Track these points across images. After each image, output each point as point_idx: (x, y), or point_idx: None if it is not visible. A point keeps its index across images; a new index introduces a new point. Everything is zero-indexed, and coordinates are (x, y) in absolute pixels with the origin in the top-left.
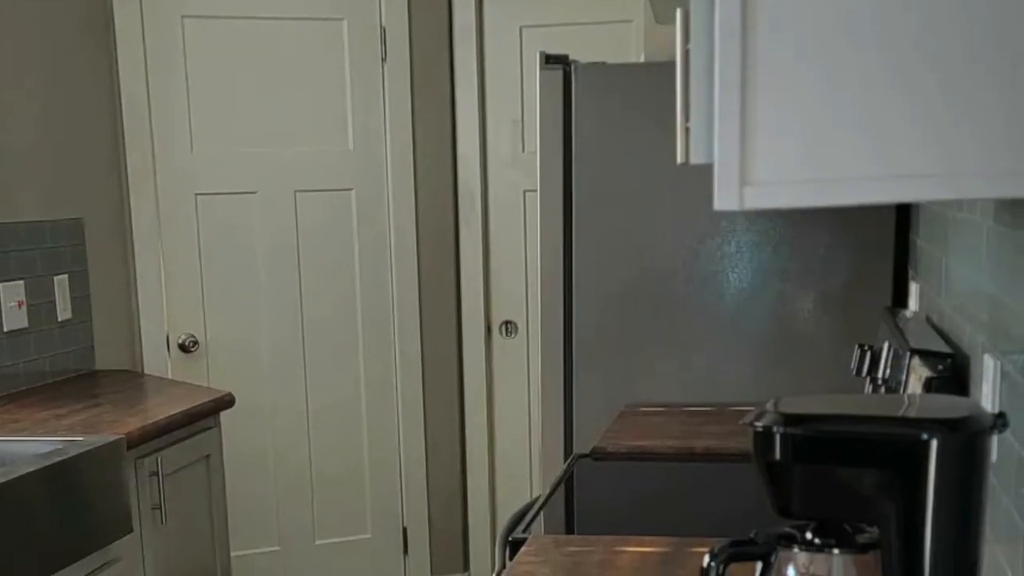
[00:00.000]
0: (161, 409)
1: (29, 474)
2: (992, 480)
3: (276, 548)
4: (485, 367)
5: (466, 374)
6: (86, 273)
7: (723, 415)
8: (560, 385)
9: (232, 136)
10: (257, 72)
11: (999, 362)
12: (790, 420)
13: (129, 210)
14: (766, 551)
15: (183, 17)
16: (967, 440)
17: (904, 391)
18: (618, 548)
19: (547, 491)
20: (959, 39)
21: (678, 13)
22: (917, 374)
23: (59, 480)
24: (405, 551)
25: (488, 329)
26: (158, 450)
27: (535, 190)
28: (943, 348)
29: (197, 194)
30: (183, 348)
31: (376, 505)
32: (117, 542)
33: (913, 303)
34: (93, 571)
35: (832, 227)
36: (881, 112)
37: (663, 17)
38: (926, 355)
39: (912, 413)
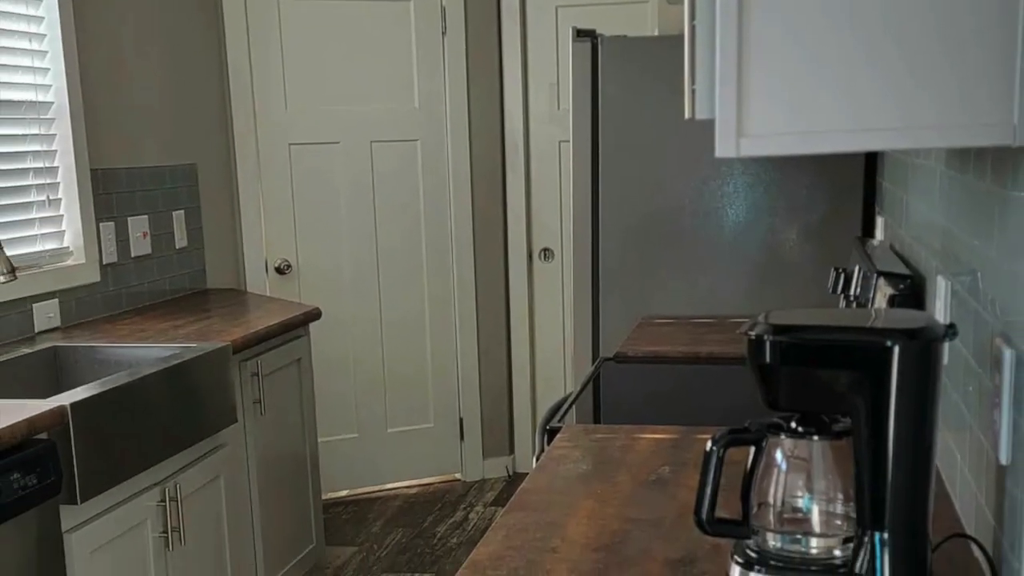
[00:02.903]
0: (260, 321)
1: (153, 374)
2: (944, 380)
3: (355, 435)
4: (527, 287)
5: (511, 293)
6: (199, 209)
7: (723, 326)
8: (588, 301)
9: (319, 96)
10: (340, 44)
11: (949, 282)
12: (778, 330)
13: (234, 157)
14: (758, 438)
15: None
16: (923, 346)
17: (871, 306)
18: (636, 435)
19: (578, 389)
20: (919, 18)
21: None
22: (882, 292)
23: (177, 379)
24: (461, 437)
25: (529, 255)
26: (258, 355)
27: (568, 141)
28: (904, 271)
29: (290, 144)
30: (279, 271)
31: (437, 400)
32: (224, 430)
33: (879, 233)
34: (205, 454)
35: (813, 171)
36: (853, 77)
37: None
38: (890, 276)
39: (878, 324)
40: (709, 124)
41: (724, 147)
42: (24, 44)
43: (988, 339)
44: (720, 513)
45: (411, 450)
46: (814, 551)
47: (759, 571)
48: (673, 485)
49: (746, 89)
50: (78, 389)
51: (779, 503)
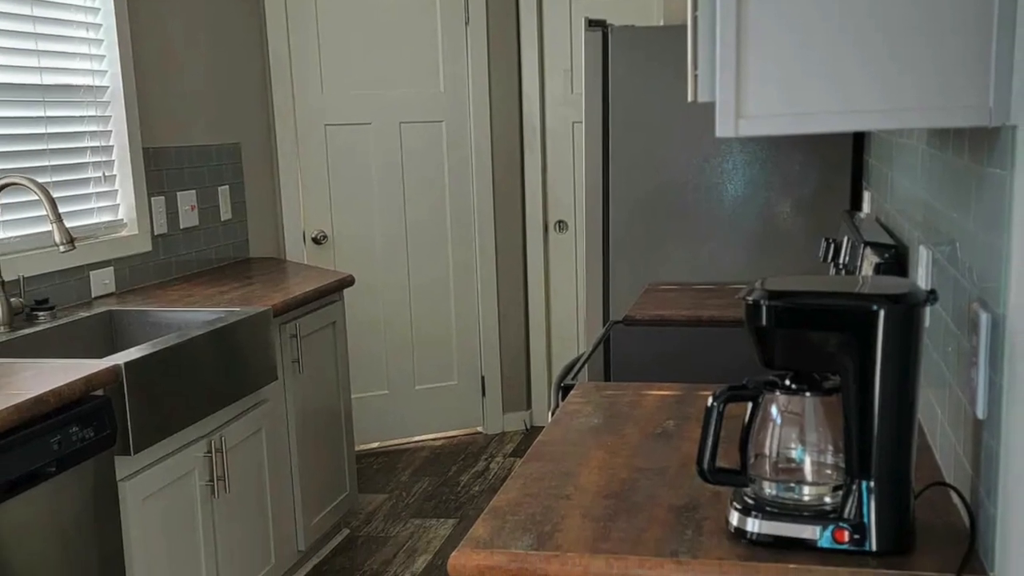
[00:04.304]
0: (299, 287)
1: (200, 336)
2: (925, 341)
3: (385, 392)
4: (543, 256)
5: (529, 261)
6: (242, 184)
7: (723, 291)
8: (599, 269)
9: (352, 80)
10: (371, 32)
11: (930, 251)
12: (773, 295)
13: (275, 136)
14: (755, 394)
15: None
16: (907, 310)
17: (859, 273)
18: (643, 392)
19: (590, 349)
20: (902, 9)
21: None
22: (869, 261)
23: (222, 340)
24: (483, 393)
25: (545, 227)
26: (296, 318)
27: (581, 122)
28: (888, 241)
29: (326, 125)
30: (315, 241)
31: (461, 359)
32: (265, 387)
33: (866, 206)
34: (247, 408)
35: (805, 149)
36: (842, 63)
37: None
38: (876, 246)
39: (865, 290)
40: (710, 106)
41: (724, 127)
42: (82, 33)
43: (966, 304)
44: (720, 463)
45: (436, 405)
46: (806, 498)
47: (756, 516)
48: (677, 438)
49: (744, 74)
50: (131, 349)
51: (774, 454)
